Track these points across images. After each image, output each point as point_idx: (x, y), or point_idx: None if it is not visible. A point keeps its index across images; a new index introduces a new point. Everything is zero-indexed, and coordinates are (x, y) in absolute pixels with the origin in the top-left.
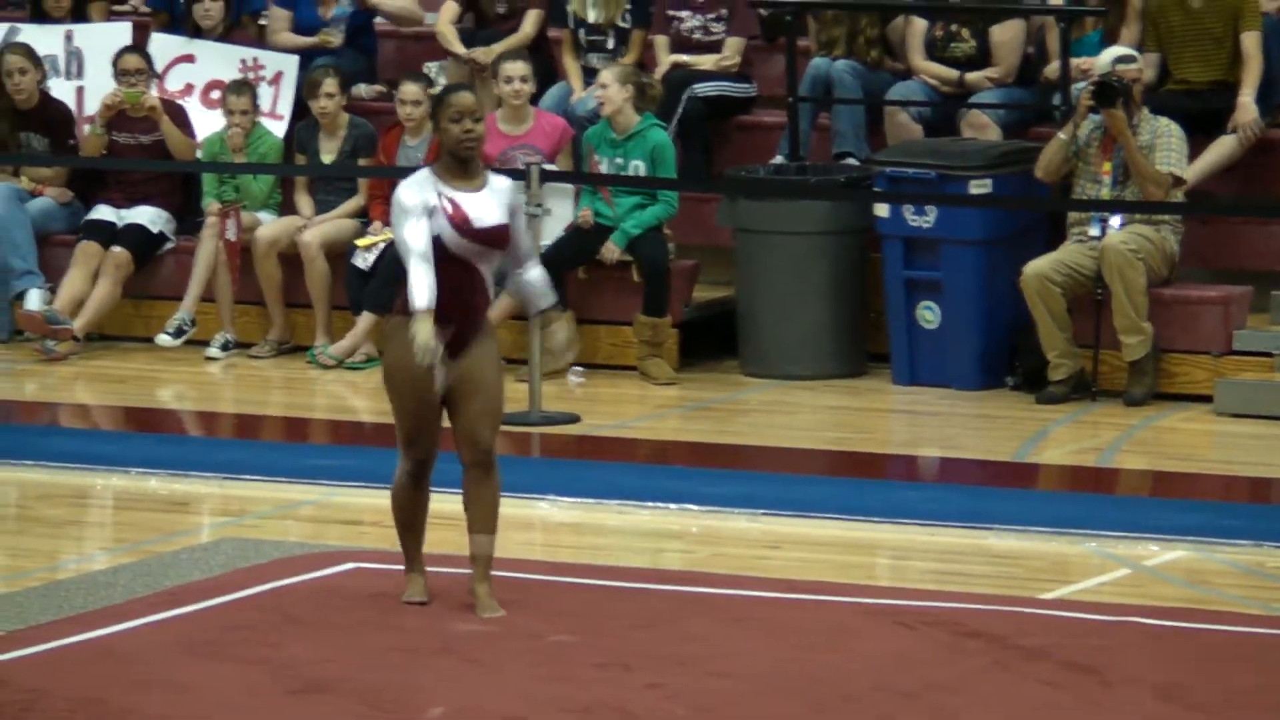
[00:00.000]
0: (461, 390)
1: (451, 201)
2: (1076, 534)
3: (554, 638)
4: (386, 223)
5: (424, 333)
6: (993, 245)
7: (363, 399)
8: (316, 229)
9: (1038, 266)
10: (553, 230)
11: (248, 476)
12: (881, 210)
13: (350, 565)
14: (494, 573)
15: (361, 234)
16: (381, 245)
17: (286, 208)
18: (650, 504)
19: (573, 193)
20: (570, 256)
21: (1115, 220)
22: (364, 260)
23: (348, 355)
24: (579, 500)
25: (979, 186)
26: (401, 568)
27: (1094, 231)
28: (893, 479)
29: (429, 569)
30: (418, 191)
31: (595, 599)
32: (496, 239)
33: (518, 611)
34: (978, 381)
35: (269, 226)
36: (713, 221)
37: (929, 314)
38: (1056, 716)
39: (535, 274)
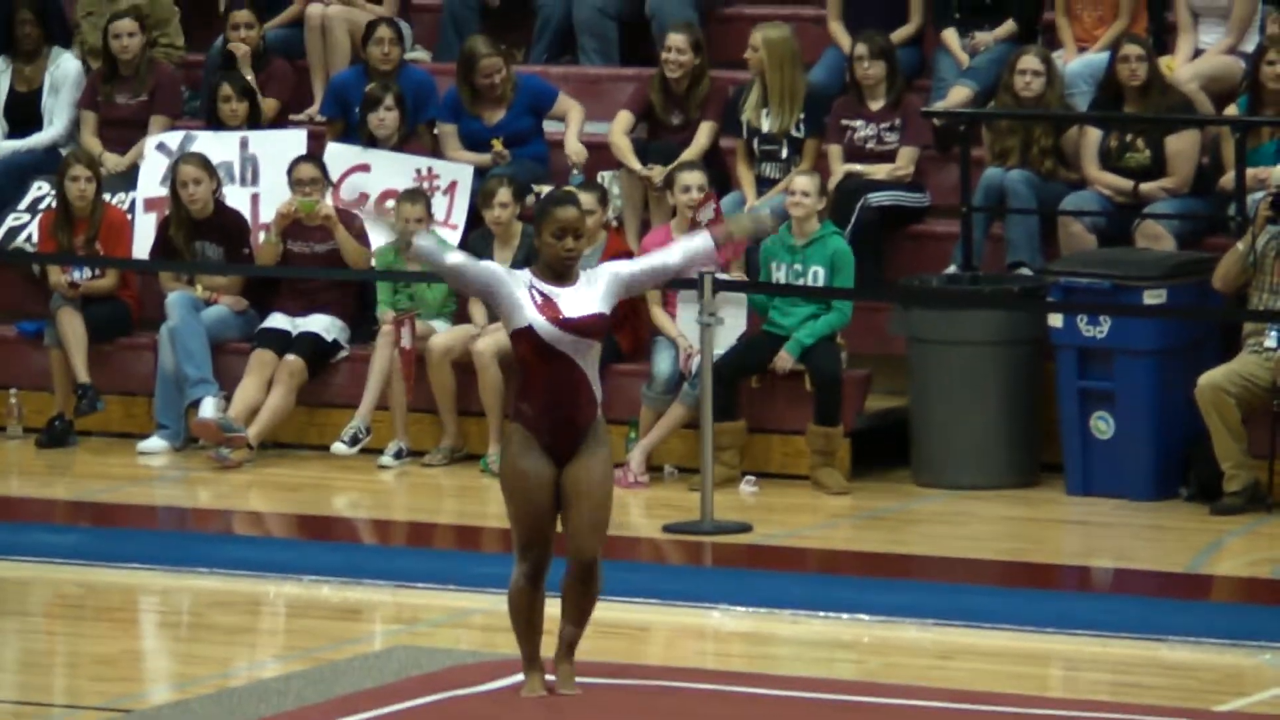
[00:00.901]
0: (568, 498)
1: (543, 295)
2: (1252, 646)
3: None
4: None
5: (401, 222)
6: (1167, 356)
7: None
8: (490, 337)
9: (1213, 377)
10: (727, 340)
11: (420, 584)
12: (1055, 320)
13: (521, 675)
14: (667, 683)
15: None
16: None
17: (460, 316)
18: (822, 614)
19: (746, 301)
20: (744, 365)
21: None
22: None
23: None
24: (751, 609)
25: (1153, 297)
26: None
27: (1270, 343)
28: (1065, 589)
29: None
30: (508, 275)
31: (768, 710)
32: (589, 329)
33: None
34: (1152, 492)
35: (443, 335)
36: (886, 331)
37: (1103, 424)
38: None
39: (675, 248)
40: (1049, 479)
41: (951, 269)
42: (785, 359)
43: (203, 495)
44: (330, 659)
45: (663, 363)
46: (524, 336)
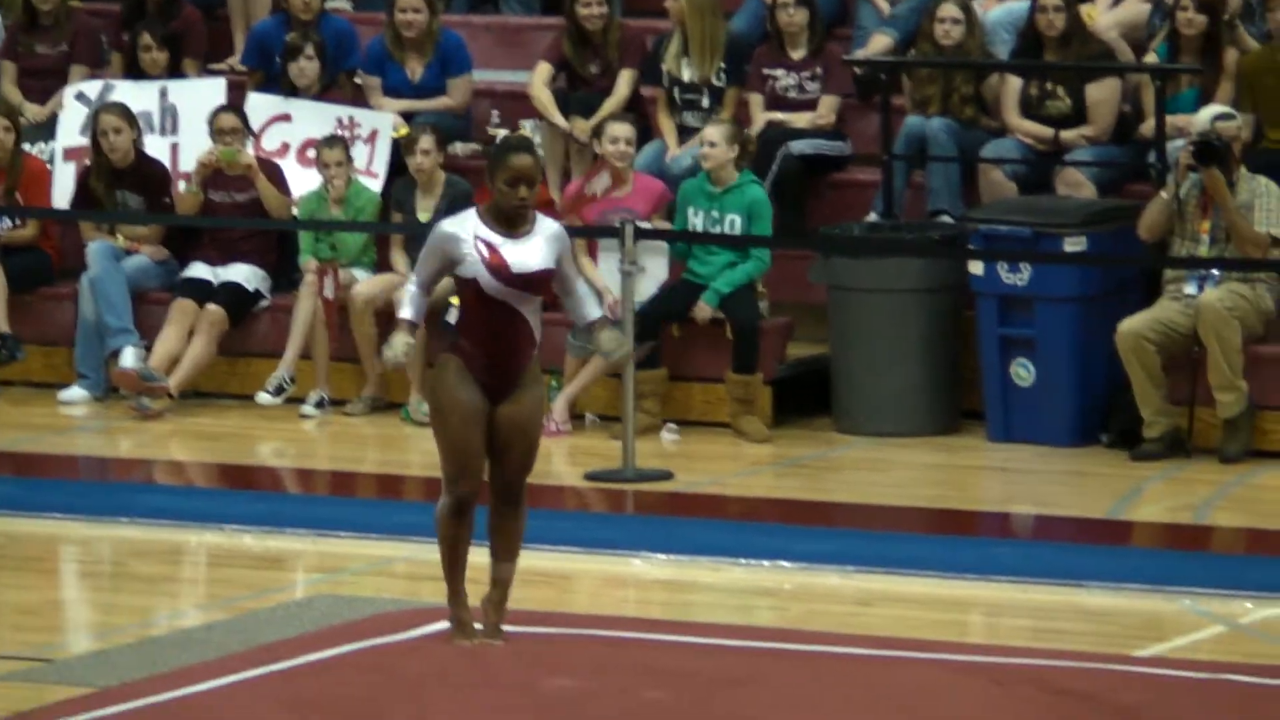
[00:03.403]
0: (502, 436)
1: (489, 245)
2: (1171, 591)
3: (647, 694)
4: None
5: (399, 341)
6: (1087, 303)
7: None
8: None
9: (1133, 324)
10: (647, 288)
11: (342, 533)
12: (976, 268)
13: (444, 623)
14: (589, 631)
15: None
16: None
17: (382, 265)
18: (743, 561)
19: (667, 250)
20: (663, 314)
21: (1214, 281)
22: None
23: None
24: (672, 557)
25: (1074, 244)
26: None
27: (1190, 290)
28: (986, 536)
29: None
30: (451, 228)
31: (688, 656)
32: (534, 284)
33: (610, 669)
34: (1072, 439)
35: (366, 284)
36: (807, 279)
37: (1024, 371)
38: None
39: (580, 293)
40: (970, 426)
41: (872, 217)
42: (704, 308)
43: (124, 444)
44: (252, 608)
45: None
46: (468, 285)
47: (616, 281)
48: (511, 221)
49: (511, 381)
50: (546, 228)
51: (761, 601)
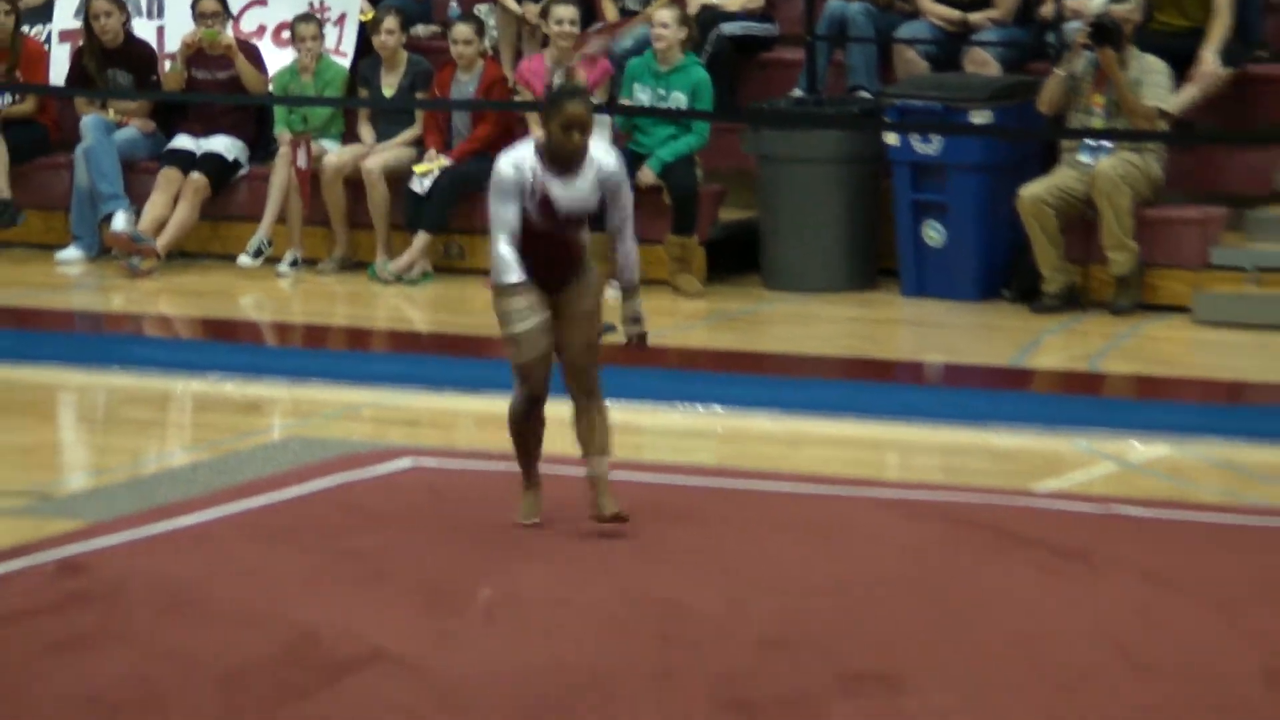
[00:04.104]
0: (562, 319)
1: (542, 186)
2: (1067, 432)
3: (590, 526)
4: (441, 150)
5: (518, 303)
6: (993, 171)
7: (419, 310)
8: (378, 156)
9: (1033, 190)
10: None
11: (314, 381)
12: (892, 139)
13: (408, 462)
14: (546, 468)
15: (418, 161)
16: (436, 171)
17: (350, 137)
18: (681, 405)
19: (609, 124)
20: None
21: (1106, 150)
22: (420, 185)
23: (405, 271)
24: (617, 401)
25: (980, 117)
26: (463, 466)
27: (1085, 158)
28: (900, 382)
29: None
30: (515, 172)
31: (632, 492)
32: (577, 221)
33: (561, 505)
34: (978, 294)
35: (335, 154)
36: (739, 150)
37: (934, 233)
38: (1048, 599)
39: (625, 249)
40: (886, 283)
41: (797, 93)
42: (647, 174)
43: (115, 300)
44: (233, 449)
45: None
46: (522, 215)
47: None
48: (565, 163)
49: (564, 281)
50: (601, 167)
51: (698, 442)
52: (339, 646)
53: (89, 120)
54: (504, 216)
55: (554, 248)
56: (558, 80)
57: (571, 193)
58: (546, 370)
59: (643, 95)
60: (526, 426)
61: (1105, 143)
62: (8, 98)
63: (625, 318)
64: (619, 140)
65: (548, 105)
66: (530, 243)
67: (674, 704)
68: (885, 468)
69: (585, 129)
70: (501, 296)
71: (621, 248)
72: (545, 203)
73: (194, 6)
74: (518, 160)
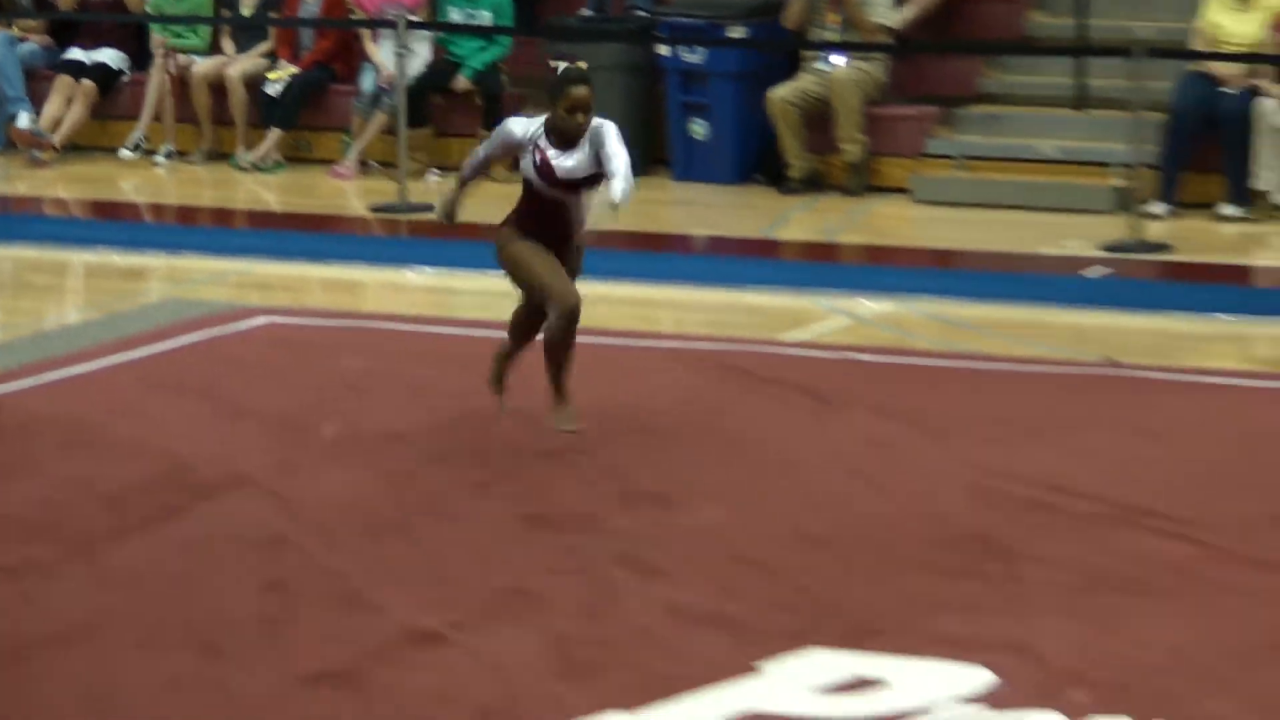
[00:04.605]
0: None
1: (542, 154)
2: (810, 292)
3: (418, 371)
4: (290, 60)
5: (447, 192)
6: (747, 77)
7: (273, 194)
8: (238, 65)
9: (780, 92)
10: (416, 66)
11: (187, 253)
12: (664, 50)
13: (264, 319)
14: (377, 324)
15: (271, 69)
16: (287, 78)
17: (215, 49)
18: (490, 271)
19: (430, 38)
20: (429, 85)
21: (840, 59)
22: (273, 89)
23: (261, 161)
24: (437, 269)
25: (736, 31)
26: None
27: (823, 66)
28: (672, 252)
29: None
30: (520, 130)
31: (449, 343)
32: (577, 185)
33: (391, 353)
34: (735, 179)
35: (202, 64)
36: (538, 59)
37: (699, 128)
38: (796, 430)
39: (612, 186)
40: (659, 170)
41: (586, 12)
42: (461, 81)
43: (20, 186)
44: (119, 309)
45: (367, 82)
46: (525, 180)
47: (393, 61)
48: (568, 140)
49: (559, 239)
50: (592, 132)
51: (505, 301)
52: (208, 472)
53: None
54: (486, 147)
55: (551, 207)
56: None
57: (569, 162)
58: (557, 276)
59: (455, 14)
60: (525, 321)
61: (834, 57)
62: None
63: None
64: (438, 53)
65: (554, 88)
66: (532, 203)
67: (488, 515)
68: (660, 323)
69: (588, 110)
70: (502, 234)
71: (608, 169)
72: (545, 166)
73: None
74: (526, 125)
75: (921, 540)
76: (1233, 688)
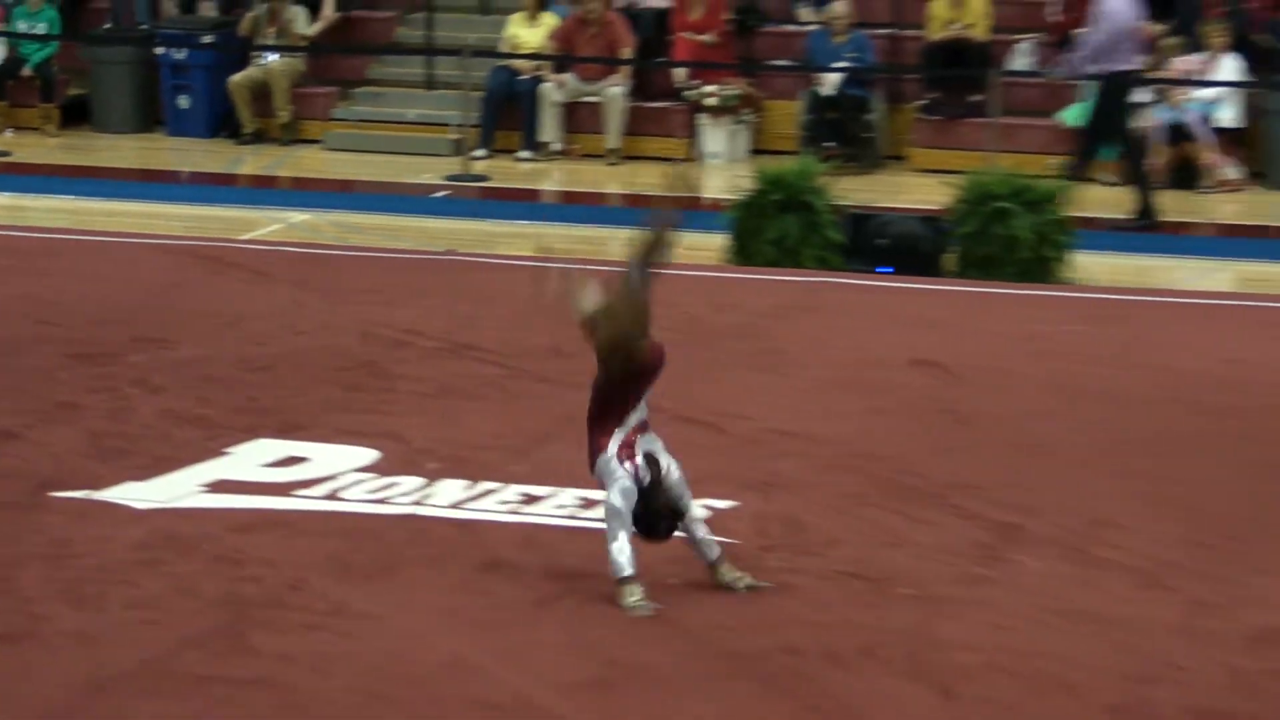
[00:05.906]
0: None
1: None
2: (257, 209)
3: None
4: None
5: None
6: (216, 67)
7: None
8: None
9: (236, 78)
10: None
11: None
12: (160, 50)
13: None
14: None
15: None
16: None
17: None
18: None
19: (4, 41)
20: (4, 73)
21: (275, 56)
22: None
23: None
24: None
25: (207, 38)
26: None
27: (264, 61)
28: (166, 184)
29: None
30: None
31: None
32: None
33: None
34: (207, 134)
35: None
36: (78, 56)
37: (184, 101)
38: (243, 291)
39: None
40: (158, 129)
41: (108, 25)
42: (26, 71)
43: None
44: None
45: None
46: None
47: None
48: None
49: None
50: None
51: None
52: None
53: None
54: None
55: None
56: None
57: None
58: None
59: (21, 24)
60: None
61: (271, 53)
62: None
63: None
64: (10, 51)
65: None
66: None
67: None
68: (156, 229)
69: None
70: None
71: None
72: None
73: None
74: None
75: (329, 366)
76: (527, 457)
